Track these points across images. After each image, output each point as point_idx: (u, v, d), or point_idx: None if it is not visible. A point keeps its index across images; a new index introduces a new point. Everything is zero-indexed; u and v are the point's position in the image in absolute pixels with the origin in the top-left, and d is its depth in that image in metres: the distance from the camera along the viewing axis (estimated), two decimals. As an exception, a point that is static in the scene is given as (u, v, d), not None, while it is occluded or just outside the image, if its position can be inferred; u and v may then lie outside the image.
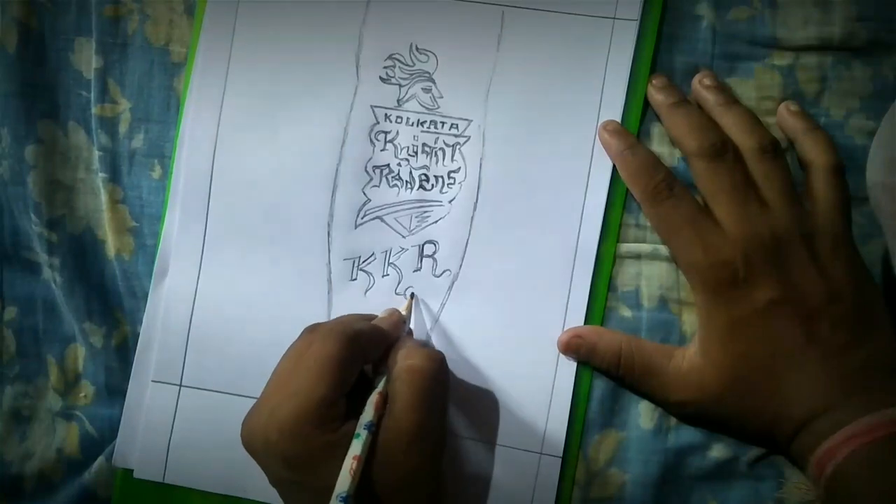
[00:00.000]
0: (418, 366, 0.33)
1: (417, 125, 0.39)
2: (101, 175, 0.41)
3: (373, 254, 0.39)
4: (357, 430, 0.32)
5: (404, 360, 0.34)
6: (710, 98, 0.37)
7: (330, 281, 0.39)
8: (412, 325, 0.39)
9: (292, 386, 0.32)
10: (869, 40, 0.37)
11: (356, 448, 0.31)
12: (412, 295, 0.39)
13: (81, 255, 0.41)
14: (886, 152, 0.34)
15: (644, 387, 0.37)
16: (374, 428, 0.32)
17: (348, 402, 0.33)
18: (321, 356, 0.32)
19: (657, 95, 0.38)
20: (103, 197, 0.41)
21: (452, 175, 0.39)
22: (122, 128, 0.41)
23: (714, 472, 0.38)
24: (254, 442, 0.32)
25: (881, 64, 0.37)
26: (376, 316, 0.38)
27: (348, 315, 0.38)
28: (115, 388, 0.41)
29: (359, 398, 0.33)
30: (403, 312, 0.38)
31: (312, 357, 0.32)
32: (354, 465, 0.31)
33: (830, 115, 0.38)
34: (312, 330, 0.34)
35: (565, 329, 0.38)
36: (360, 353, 0.33)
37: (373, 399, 0.33)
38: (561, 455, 0.38)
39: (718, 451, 0.38)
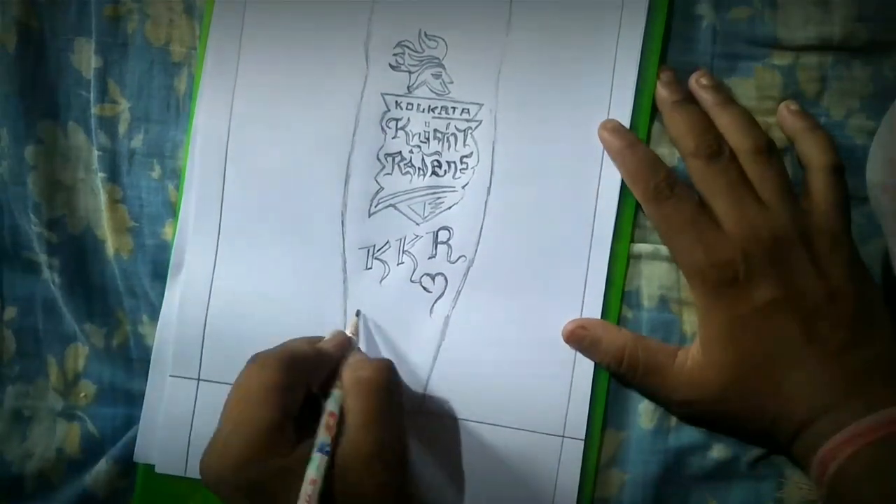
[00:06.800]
0: (366, 377, 0.33)
1: (428, 111, 0.39)
2: (101, 175, 0.41)
3: (387, 242, 0.39)
4: (312, 454, 0.31)
5: (352, 373, 0.34)
6: (706, 98, 0.37)
7: (345, 271, 0.39)
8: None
9: (237, 417, 0.32)
10: (869, 40, 0.37)
11: (311, 472, 0.31)
12: (357, 313, 0.39)
13: (81, 254, 0.41)
14: (886, 152, 0.34)
15: (646, 386, 0.37)
16: (329, 449, 0.32)
17: (298, 426, 0.32)
18: (261, 383, 0.32)
19: (662, 90, 0.38)
20: (103, 197, 0.41)
21: (465, 160, 0.39)
22: (122, 128, 0.41)
23: (714, 472, 0.38)
24: (209, 479, 0.32)
25: (881, 64, 0.37)
26: (323, 338, 0.37)
27: (293, 339, 0.36)
28: (115, 388, 0.41)
29: (312, 422, 0.33)
30: (349, 333, 0.38)
31: (253, 386, 0.32)
32: (311, 490, 0.30)
33: (830, 115, 0.38)
34: (254, 359, 0.34)
35: (579, 317, 0.38)
36: (301, 377, 0.33)
37: (324, 420, 0.32)
38: (583, 438, 0.38)
39: (718, 451, 0.38)
